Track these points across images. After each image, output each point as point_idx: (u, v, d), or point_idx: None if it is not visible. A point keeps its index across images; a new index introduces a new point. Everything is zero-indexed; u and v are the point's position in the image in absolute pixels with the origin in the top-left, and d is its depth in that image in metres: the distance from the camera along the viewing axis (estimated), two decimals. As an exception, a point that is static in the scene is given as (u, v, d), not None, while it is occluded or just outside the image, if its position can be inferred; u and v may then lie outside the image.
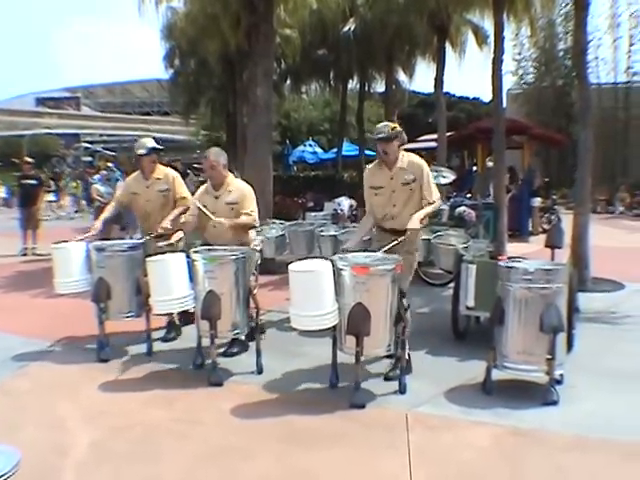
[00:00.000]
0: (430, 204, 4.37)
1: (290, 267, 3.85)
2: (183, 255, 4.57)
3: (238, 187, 4.96)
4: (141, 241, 5.27)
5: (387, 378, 4.26)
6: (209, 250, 4.51)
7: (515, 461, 3.18)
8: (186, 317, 5.29)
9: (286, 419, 3.68)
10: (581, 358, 4.53)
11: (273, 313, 5.98)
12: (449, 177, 7.60)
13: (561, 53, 25.35)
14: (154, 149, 5.38)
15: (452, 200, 10.54)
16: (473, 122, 18.19)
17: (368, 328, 3.76)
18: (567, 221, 8.16)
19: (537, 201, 13.59)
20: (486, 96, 31.98)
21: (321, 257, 5.07)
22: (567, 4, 18.30)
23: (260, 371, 4.46)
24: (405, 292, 4.10)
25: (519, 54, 25.99)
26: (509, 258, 4.87)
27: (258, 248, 5.12)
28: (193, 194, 5.28)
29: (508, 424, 3.56)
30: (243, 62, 12.12)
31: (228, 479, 3.08)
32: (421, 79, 51.70)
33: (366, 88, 17.95)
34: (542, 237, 8.77)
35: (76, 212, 20.68)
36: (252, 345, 4.60)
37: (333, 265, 3.87)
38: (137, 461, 3.22)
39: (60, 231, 10.85)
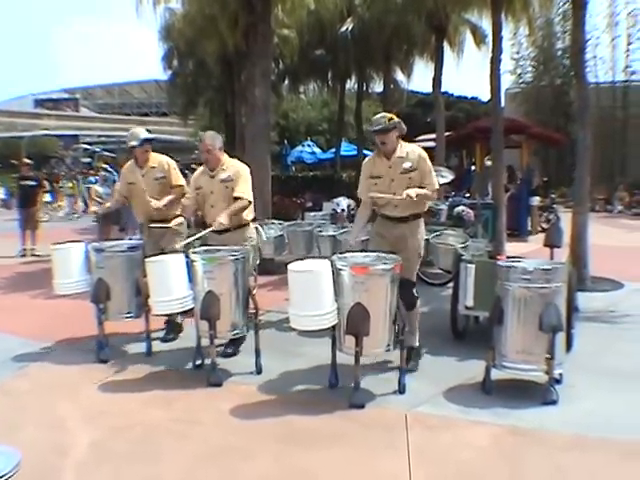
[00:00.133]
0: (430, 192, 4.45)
1: (289, 267, 3.86)
2: (182, 256, 4.58)
3: (233, 165, 5.00)
4: (140, 242, 5.28)
5: (409, 370, 4.29)
6: (208, 251, 4.52)
7: (514, 460, 3.18)
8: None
9: (285, 419, 3.69)
10: (580, 357, 4.54)
11: (272, 313, 5.98)
12: (448, 177, 7.58)
13: (559, 52, 25.29)
14: (146, 139, 5.39)
15: (451, 200, 10.54)
16: (471, 121, 18.16)
17: (367, 328, 3.77)
18: (566, 220, 8.14)
19: (536, 200, 13.56)
20: (484, 95, 32.07)
21: (320, 257, 5.08)
22: (565, 3, 18.23)
23: (259, 371, 4.47)
24: (414, 281, 4.11)
25: (517, 53, 25.98)
26: (508, 257, 4.89)
27: (254, 236, 5.15)
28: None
29: (507, 423, 3.56)
30: (241, 62, 12.13)
31: (228, 479, 3.08)
32: (419, 79, 51.64)
33: (364, 88, 17.98)
34: (541, 236, 8.75)
35: (74, 214, 20.37)
36: (252, 345, 4.59)
37: (332, 265, 3.87)
38: (137, 461, 3.23)
39: (59, 232, 10.85)
